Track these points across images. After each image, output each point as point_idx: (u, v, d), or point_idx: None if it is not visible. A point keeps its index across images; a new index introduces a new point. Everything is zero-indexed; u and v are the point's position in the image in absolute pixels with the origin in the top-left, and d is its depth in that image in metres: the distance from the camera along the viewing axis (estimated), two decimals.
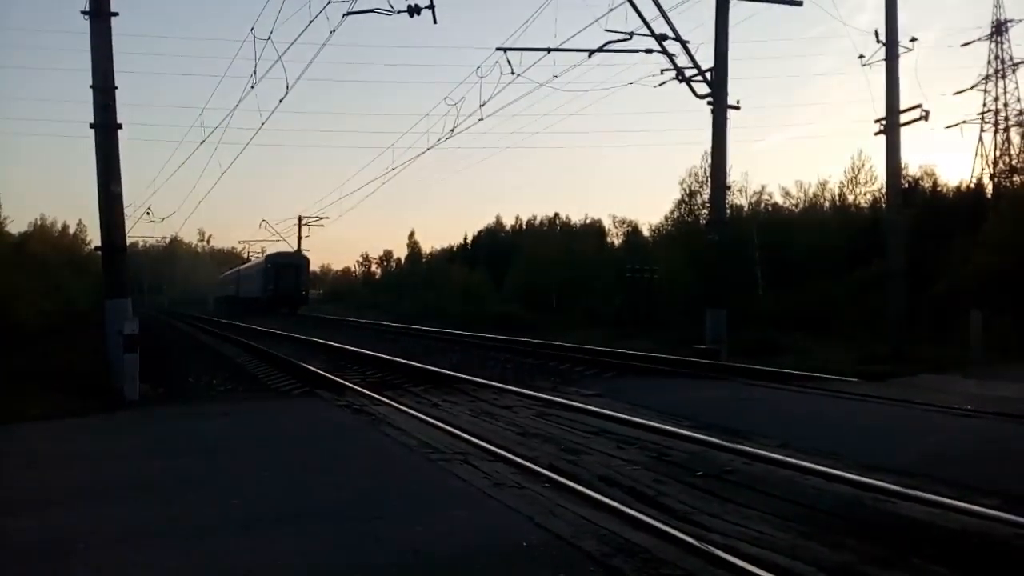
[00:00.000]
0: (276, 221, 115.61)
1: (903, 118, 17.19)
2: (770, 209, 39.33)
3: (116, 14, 11.98)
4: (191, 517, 4.95)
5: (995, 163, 33.38)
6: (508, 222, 71.47)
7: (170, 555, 4.22)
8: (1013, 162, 33.30)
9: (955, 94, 34.75)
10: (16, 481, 6.11)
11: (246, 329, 30.91)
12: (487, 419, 8.73)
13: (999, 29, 33.69)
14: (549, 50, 17.61)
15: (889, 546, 4.27)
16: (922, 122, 17.01)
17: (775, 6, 19.27)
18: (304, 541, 4.44)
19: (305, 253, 56.99)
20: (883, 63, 17.34)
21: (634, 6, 16.67)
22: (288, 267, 50.55)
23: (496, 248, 60.58)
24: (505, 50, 17.45)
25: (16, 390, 10.60)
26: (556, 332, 27.78)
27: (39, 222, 68.82)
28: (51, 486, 5.86)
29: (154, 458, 6.86)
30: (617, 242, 52.65)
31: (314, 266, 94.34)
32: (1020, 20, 34.03)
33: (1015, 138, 33.46)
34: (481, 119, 19.56)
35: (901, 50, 17.33)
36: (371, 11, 13.92)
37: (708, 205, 23.10)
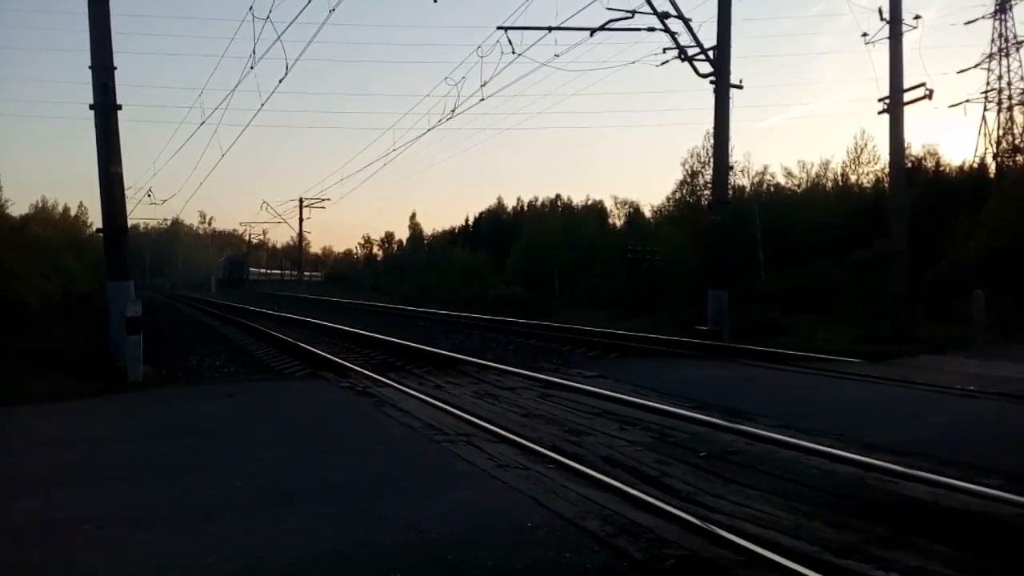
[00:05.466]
0: (277, 203, 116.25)
1: (906, 97, 17.09)
2: (772, 189, 39.27)
3: None
4: (196, 498, 4.97)
5: (998, 142, 33.11)
6: (510, 203, 71.26)
7: (176, 536, 4.24)
8: (1016, 141, 33.06)
9: (958, 73, 34.50)
10: (20, 463, 6.14)
11: (250, 311, 30.95)
12: (490, 400, 8.74)
13: (1003, 7, 33.30)
14: (550, 29, 17.46)
15: (892, 526, 4.28)
16: (925, 101, 16.93)
17: None
18: (308, 521, 4.45)
19: (248, 256, 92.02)
20: (886, 41, 17.21)
21: None
22: (236, 263, 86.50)
23: (498, 230, 60.43)
24: (506, 29, 17.32)
25: (19, 371, 10.63)
26: (558, 313, 27.82)
27: (40, 204, 69.09)
28: (55, 468, 5.88)
29: (158, 439, 6.88)
30: (619, 223, 52.61)
31: (315, 248, 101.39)
32: None
33: (1019, 117, 33.17)
34: (482, 99, 19.48)
35: (905, 28, 17.19)
36: None
37: (710, 185, 22.99)
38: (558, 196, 65.09)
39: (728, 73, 17.28)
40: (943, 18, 76.02)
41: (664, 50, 17.64)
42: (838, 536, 4.12)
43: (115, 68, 11.90)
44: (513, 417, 7.69)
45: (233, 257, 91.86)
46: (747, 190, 37.31)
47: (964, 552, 3.92)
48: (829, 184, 38.62)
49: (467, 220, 72.43)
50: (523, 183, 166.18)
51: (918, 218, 20.97)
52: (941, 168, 33.30)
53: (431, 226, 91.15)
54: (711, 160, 21.62)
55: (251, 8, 15.00)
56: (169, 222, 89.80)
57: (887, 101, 17.27)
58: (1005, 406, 8.23)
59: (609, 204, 57.19)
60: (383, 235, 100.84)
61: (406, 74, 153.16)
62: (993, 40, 33.39)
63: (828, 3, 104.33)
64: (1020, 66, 33.13)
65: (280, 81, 17.36)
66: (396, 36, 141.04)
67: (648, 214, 49.08)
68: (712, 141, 18.97)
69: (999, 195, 23.99)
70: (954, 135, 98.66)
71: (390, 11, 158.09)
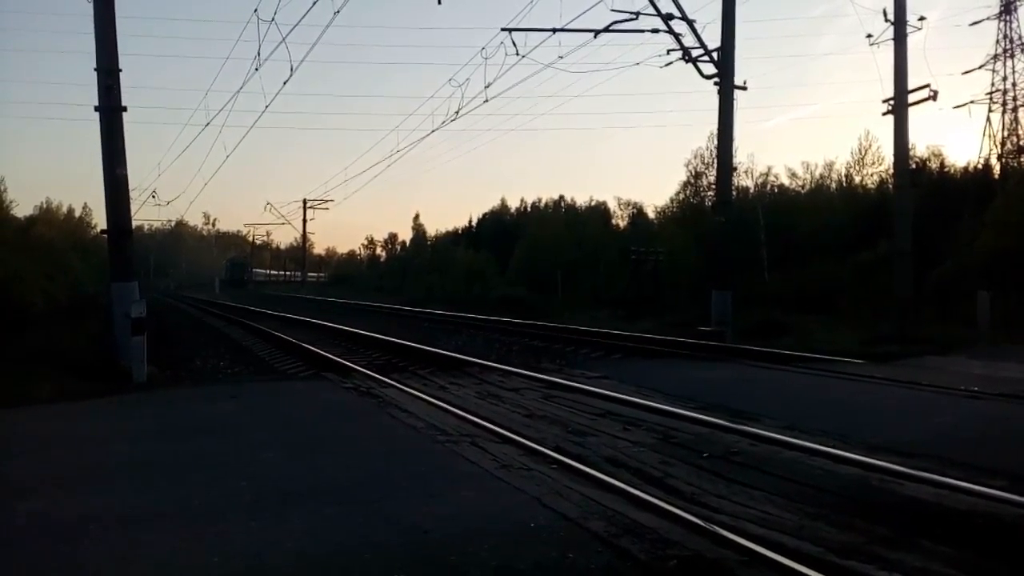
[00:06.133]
0: (281, 204, 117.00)
1: (911, 98, 17.07)
2: (776, 190, 39.19)
3: None
4: (200, 499, 4.98)
5: (1003, 143, 33.08)
6: (513, 204, 71.13)
7: (180, 537, 4.25)
8: (1021, 142, 33.01)
9: (963, 74, 34.52)
10: (25, 464, 6.15)
11: (254, 312, 31.00)
12: (494, 401, 8.75)
13: (1008, 8, 33.25)
14: (554, 30, 17.49)
15: (896, 527, 4.27)
16: (930, 102, 16.90)
17: None
18: (313, 521, 4.46)
19: (249, 258, 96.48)
20: (891, 42, 17.18)
21: None
22: (237, 265, 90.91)
23: (501, 230, 60.34)
24: (510, 31, 17.36)
25: (24, 373, 10.65)
26: (561, 314, 27.79)
27: (45, 205, 69.34)
28: (60, 469, 5.89)
29: (163, 440, 6.90)
30: (622, 224, 52.48)
31: (319, 249, 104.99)
32: None
33: (1023, 118, 33.16)
34: (486, 101, 19.50)
35: (909, 29, 17.18)
36: None
37: (714, 186, 22.98)
38: (561, 197, 64.93)
39: (732, 74, 17.28)
40: (948, 19, 75.82)
41: (668, 51, 17.66)
42: (842, 537, 4.11)
43: (120, 70, 11.95)
44: (516, 418, 7.69)
45: (235, 259, 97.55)
46: (751, 191, 37.27)
47: (968, 553, 3.91)
48: (833, 185, 38.54)
49: (470, 221, 72.37)
50: (526, 184, 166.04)
51: (922, 219, 20.94)
52: (946, 169, 33.20)
53: (434, 227, 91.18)
54: (715, 161, 21.65)
55: (256, 10, 15.05)
56: (173, 223, 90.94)
57: (891, 102, 17.25)
58: (1010, 407, 8.21)
59: (612, 205, 57.08)
60: (386, 236, 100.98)
61: (410, 75, 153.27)
62: (998, 41, 33.36)
63: (832, 4, 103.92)
64: None
65: (284, 83, 17.61)
66: (400, 38, 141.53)
67: (651, 215, 49.04)
68: (716, 142, 18.99)
69: (1004, 196, 23.93)
70: (959, 136, 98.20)
71: (394, 13, 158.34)
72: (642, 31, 17.35)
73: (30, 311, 18.73)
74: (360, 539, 4.18)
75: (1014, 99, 33.07)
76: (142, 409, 8.79)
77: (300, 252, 74.94)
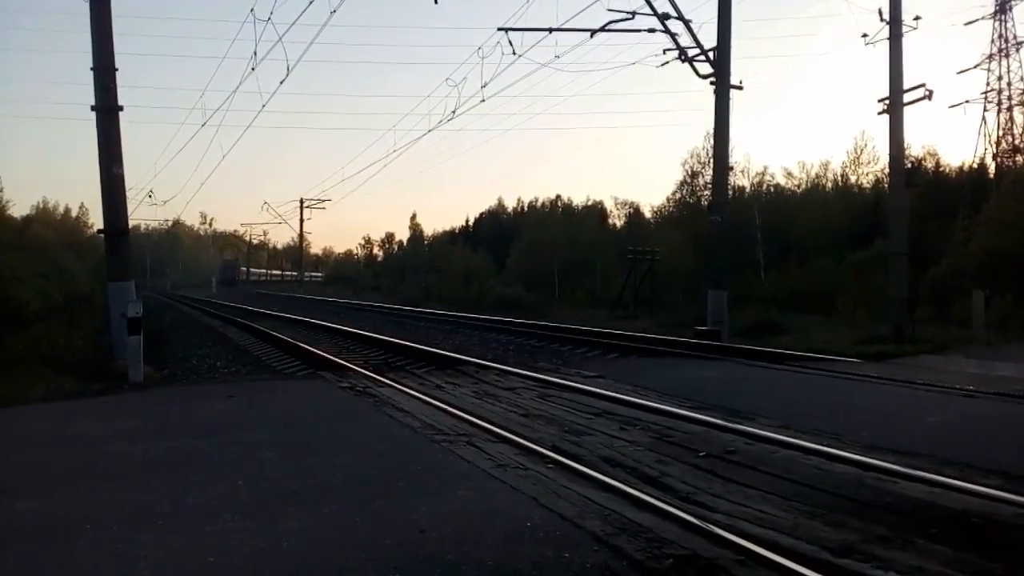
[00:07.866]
0: (278, 204, 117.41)
1: (906, 97, 17.10)
2: (772, 190, 39.27)
3: None
4: (197, 498, 4.98)
5: (998, 143, 33.20)
6: (510, 204, 71.19)
7: (177, 536, 4.25)
8: (1016, 142, 33.13)
9: (958, 73, 34.67)
10: (21, 463, 6.14)
11: (251, 312, 30.97)
12: (490, 401, 8.75)
13: (1003, 7, 33.38)
14: (551, 30, 17.51)
15: (891, 525, 4.28)
16: (925, 102, 16.94)
17: None
18: (309, 521, 4.46)
19: (240, 259, 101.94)
20: (886, 42, 17.22)
21: None
22: (229, 266, 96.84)
23: (498, 230, 60.44)
24: (506, 30, 17.38)
25: (20, 372, 10.65)
26: (558, 314, 27.83)
27: (41, 205, 69.38)
28: (56, 468, 5.89)
29: (159, 439, 6.88)
30: (619, 224, 52.60)
31: (316, 249, 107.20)
32: None
33: (1018, 117, 33.28)
34: (483, 100, 19.51)
35: (905, 29, 17.20)
36: None
37: (710, 186, 23.00)
38: (558, 196, 64.92)
39: (728, 74, 17.30)
40: (943, 19, 75.62)
41: (664, 51, 17.69)
42: (837, 535, 4.13)
43: (116, 69, 11.96)
44: (513, 417, 7.70)
45: (227, 260, 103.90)
46: (747, 191, 37.32)
47: (963, 552, 3.92)
48: (829, 185, 38.67)
49: (467, 220, 72.47)
50: (523, 183, 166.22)
51: (918, 219, 21.01)
52: (941, 169, 33.32)
53: (432, 226, 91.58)
54: (711, 161, 21.64)
55: (252, 9, 15.07)
56: (170, 223, 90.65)
57: (887, 102, 17.28)
58: (1005, 406, 8.23)
59: (609, 204, 57.22)
60: (383, 235, 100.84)
61: (407, 75, 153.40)
62: (993, 41, 33.50)
63: (828, 4, 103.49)
64: (1020, 67, 33.21)
65: (281, 82, 17.47)
66: (396, 37, 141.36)
67: (648, 215, 49.20)
68: (712, 142, 19.00)
69: (999, 195, 24.01)
70: (954, 136, 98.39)
71: (391, 12, 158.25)
72: (638, 31, 17.38)
73: (26, 311, 18.68)
74: (357, 538, 4.19)
75: (1009, 98, 33.19)
76: (138, 408, 8.78)
77: (297, 251, 74.93)
